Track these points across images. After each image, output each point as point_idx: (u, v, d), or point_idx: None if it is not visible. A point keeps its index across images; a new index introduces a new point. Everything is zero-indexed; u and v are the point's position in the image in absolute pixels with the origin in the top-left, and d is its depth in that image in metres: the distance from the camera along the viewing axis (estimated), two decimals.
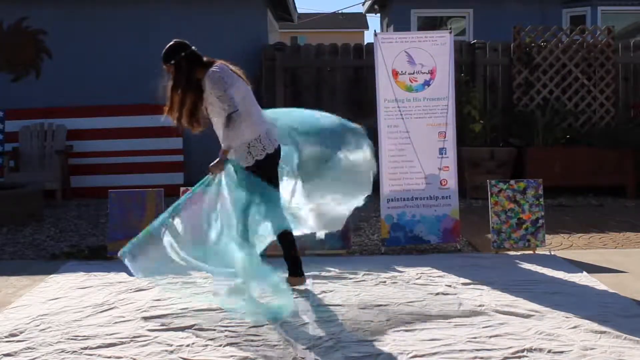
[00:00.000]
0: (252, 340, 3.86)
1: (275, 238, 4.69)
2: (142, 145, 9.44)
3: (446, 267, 5.42)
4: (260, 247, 4.67)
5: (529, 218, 5.93)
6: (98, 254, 6.05)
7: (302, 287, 4.81)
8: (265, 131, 4.60)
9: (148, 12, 10.02)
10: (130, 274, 5.25)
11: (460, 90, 8.77)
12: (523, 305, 4.43)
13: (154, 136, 9.35)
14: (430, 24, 13.52)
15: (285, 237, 4.74)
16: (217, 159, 4.47)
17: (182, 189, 6.01)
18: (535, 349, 3.67)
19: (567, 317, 4.17)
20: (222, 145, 4.46)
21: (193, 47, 4.55)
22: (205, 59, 4.56)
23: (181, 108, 4.47)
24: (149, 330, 4.03)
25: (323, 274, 5.15)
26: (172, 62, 4.46)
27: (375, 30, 10.86)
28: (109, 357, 3.65)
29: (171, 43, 4.57)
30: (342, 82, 9.87)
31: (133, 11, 10.02)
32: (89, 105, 9.62)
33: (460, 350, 3.67)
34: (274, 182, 4.66)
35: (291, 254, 4.79)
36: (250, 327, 4.07)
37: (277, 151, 4.66)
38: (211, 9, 9.94)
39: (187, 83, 4.44)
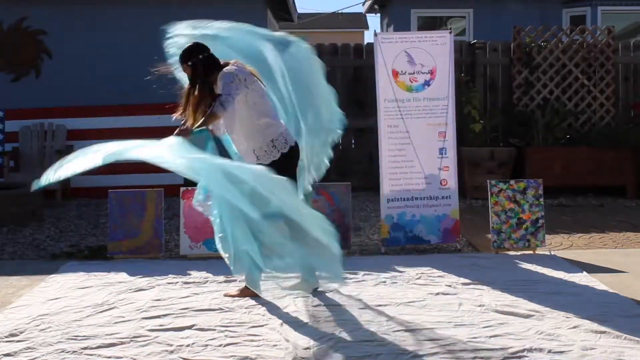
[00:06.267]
0: (252, 340, 3.86)
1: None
2: None
3: (446, 267, 5.42)
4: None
5: (529, 218, 5.93)
6: (98, 254, 6.05)
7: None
8: (285, 128, 4.64)
9: (148, 12, 10.01)
10: (130, 274, 5.28)
11: (460, 90, 8.77)
12: (523, 305, 4.43)
13: (154, 136, 9.33)
14: (430, 24, 13.53)
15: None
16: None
17: (182, 189, 6.01)
18: (535, 349, 3.67)
19: (567, 317, 4.17)
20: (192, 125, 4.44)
21: (211, 51, 4.56)
22: (222, 62, 4.57)
23: (195, 108, 4.47)
24: (149, 330, 4.03)
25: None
26: (189, 63, 4.50)
27: (375, 30, 10.86)
28: (109, 357, 3.65)
29: (190, 44, 4.60)
30: (342, 82, 9.86)
31: (133, 11, 10.02)
32: (89, 105, 9.61)
33: (460, 350, 3.66)
34: (294, 178, 4.70)
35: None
36: (250, 327, 4.07)
37: (297, 147, 4.67)
38: (211, 9, 9.92)
39: (202, 84, 4.46)
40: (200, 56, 4.50)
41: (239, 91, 4.42)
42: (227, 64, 4.55)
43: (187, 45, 4.58)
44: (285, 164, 4.55)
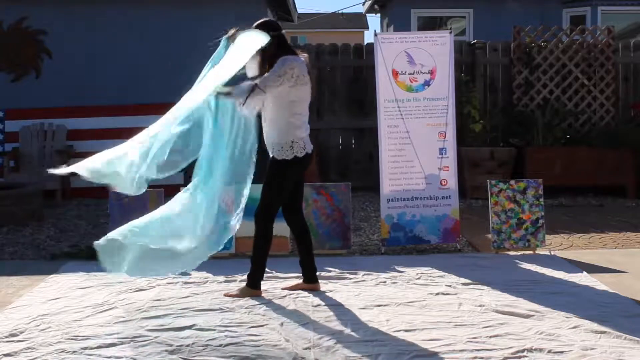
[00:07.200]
0: (252, 340, 3.85)
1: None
2: None
3: (446, 267, 5.42)
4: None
5: (529, 218, 5.93)
6: (98, 254, 6.03)
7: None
8: (307, 135, 4.68)
9: (148, 12, 10.02)
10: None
11: (460, 90, 8.77)
12: (523, 305, 4.43)
13: None
14: (430, 24, 13.53)
15: (304, 240, 4.78)
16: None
17: (182, 189, 5.99)
18: (535, 349, 3.66)
19: (567, 317, 4.17)
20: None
21: (283, 32, 4.65)
22: (292, 47, 4.68)
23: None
24: (149, 330, 4.03)
25: (323, 274, 5.15)
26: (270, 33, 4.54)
27: (375, 30, 10.85)
28: (109, 357, 3.64)
29: (267, 19, 4.76)
30: (342, 82, 9.87)
31: (133, 11, 10.02)
32: (89, 105, 9.61)
33: (460, 350, 3.66)
34: (299, 186, 4.76)
35: (308, 259, 4.81)
36: (250, 327, 4.07)
37: (312, 154, 4.71)
38: (211, 9, 9.94)
39: (269, 59, 4.51)
40: (275, 33, 4.55)
41: (282, 84, 4.45)
42: (295, 52, 4.61)
43: (264, 20, 4.70)
44: (294, 166, 4.58)
